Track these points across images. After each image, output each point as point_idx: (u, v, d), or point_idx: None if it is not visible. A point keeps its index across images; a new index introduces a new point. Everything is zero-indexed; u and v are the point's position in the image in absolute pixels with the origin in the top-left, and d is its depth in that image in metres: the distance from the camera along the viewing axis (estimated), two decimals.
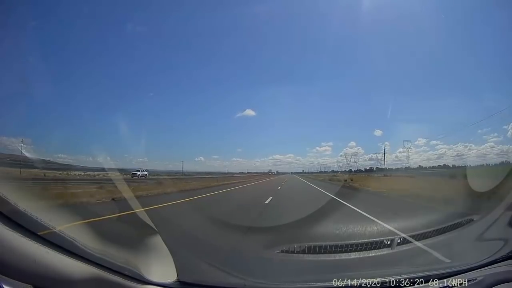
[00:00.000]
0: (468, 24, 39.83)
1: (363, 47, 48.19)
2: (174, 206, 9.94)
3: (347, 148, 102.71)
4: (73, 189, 13.24)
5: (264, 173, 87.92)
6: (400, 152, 76.60)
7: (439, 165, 51.92)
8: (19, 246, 1.24)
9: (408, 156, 53.37)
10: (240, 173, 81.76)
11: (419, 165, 54.63)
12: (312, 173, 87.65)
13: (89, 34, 39.16)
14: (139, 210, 6.10)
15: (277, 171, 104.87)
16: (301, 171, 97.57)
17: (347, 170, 65.47)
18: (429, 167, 53.43)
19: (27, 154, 27.25)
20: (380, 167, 58.65)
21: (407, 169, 50.99)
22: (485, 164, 40.68)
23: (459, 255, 3.66)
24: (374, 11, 37.73)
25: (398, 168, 55.66)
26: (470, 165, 40.88)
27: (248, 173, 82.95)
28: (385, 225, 6.08)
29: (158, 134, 66.52)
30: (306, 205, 10.86)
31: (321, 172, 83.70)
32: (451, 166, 43.49)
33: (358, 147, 75.39)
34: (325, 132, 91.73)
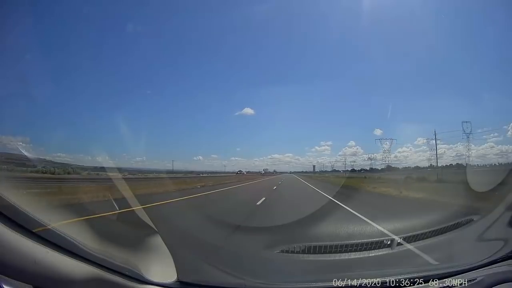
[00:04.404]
0: (468, 24, 39.94)
1: (363, 46, 48.31)
2: None
3: (346, 147, 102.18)
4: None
5: (256, 173, 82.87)
6: (399, 152, 76.41)
7: (442, 165, 48.01)
8: (19, 246, 1.23)
9: (469, 151, 39.38)
10: (238, 172, 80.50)
11: (430, 164, 50.67)
12: (314, 172, 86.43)
13: (87, 34, 39.13)
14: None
15: (274, 170, 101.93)
16: (311, 170, 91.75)
17: (349, 170, 64.40)
18: (439, 167, 48.42)
19: (25, 153, 27.16)
20: (375, 167, 57.02)
21: (470, 166, 35.73)
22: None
23: (458, 256, 3.66)
24: (374, 11, 37.76)
25: (406, 167, 52.82)
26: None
27: (247, 172, 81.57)
28: None
29: (156, 133, 66.34)
30: None
31: (321, 171, 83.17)
32: (465, 165, 36.95)
33: (357, 147, 75.33)
34: (324, 131, 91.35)
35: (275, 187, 22.59)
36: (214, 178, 40.72)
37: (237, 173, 77.22)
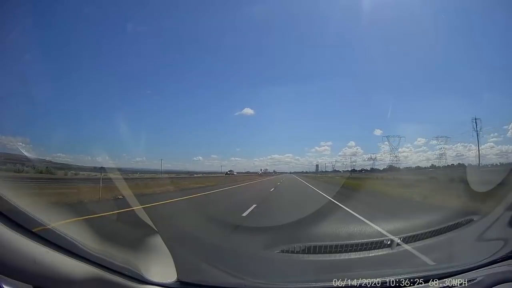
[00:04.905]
0: (467, 25, 39.96)
1: (363, 46, 48.36)
2: None
3: (346, 147, 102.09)
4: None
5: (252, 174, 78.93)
6: (399, 152, 76.28)
7: (444, 165, 46.78)
8: (19, 246, 1.23)
9: (478, 150, 37.08)
10: (229, 172, 78.73)
11: (432, 164, 49.57)
12: (316, 172, 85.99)
13: (87, 33, 39.07)
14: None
15: (274, 171, 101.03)
16: (312, 170, 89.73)
17: (350, 170, 64.29)
18: (444, 166, 46.23)
19: (25, 153, 27.15)
20: (375, 167, 56.93)
21: (471, 166, 32.00)
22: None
23: (457, 256, 3.66)
24: (374, 11, 37.82)
25: (407, 167, 52.33)
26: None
27: (245, 172, 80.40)
28: None
29: (156, 133, 66.32)
30: None
31: (322, 172, 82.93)
32: (466, 165, 36.91)
33: (357, 147, 75.45)
34: (324, 131, 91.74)
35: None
36: (198, 180, 32.92)
37: (226, 174, 71.36)
